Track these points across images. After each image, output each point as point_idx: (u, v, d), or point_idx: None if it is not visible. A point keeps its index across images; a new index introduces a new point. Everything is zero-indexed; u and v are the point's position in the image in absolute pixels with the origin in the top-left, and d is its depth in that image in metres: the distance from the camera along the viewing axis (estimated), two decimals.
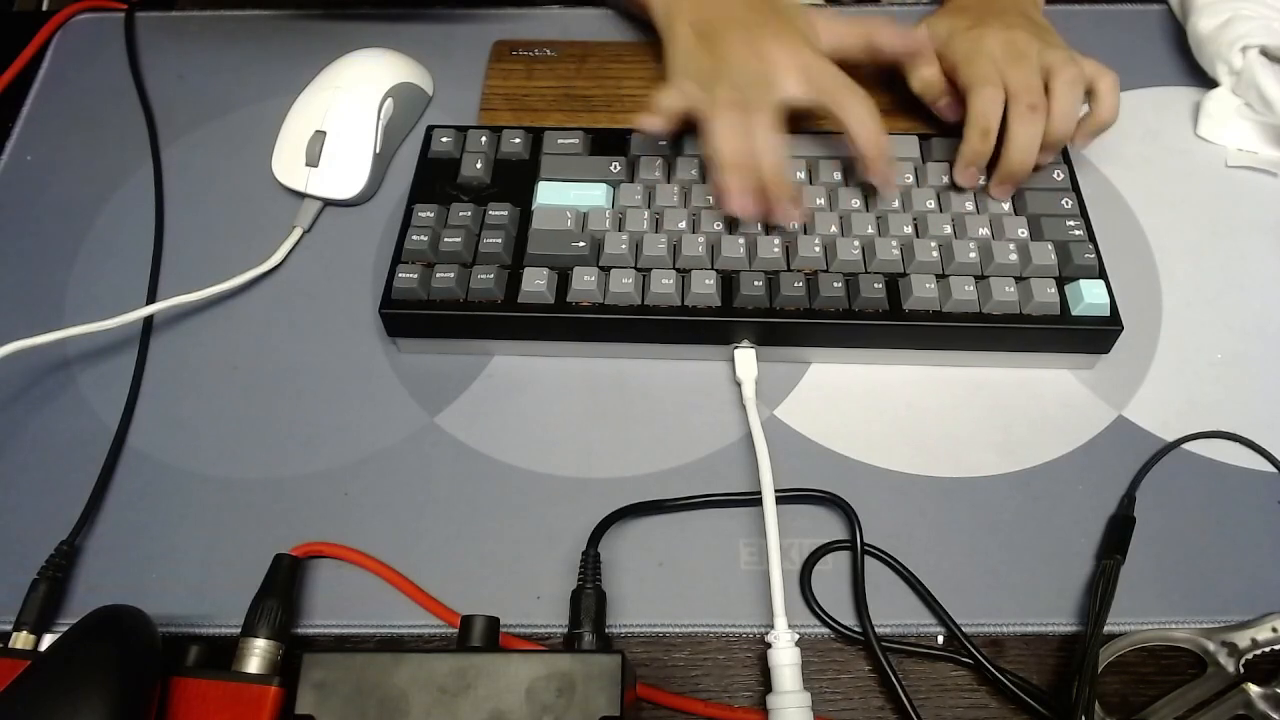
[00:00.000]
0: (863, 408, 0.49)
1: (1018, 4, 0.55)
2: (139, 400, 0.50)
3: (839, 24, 0.54)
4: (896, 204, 0.51)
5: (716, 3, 0.54)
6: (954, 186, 0.52)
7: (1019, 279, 0.48)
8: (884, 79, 0.57)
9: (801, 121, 0.59)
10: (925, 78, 0.53)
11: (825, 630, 0.43)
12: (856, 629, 0.42)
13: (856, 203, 0.51)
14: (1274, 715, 0.39)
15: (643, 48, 0.63)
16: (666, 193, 0.52)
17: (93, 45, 0.66)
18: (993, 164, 0.51)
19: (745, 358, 0.49)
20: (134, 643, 0.37)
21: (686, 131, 0.53)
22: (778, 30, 0.51)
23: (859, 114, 0.48)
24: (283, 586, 0.42)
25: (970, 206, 0.51)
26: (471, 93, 0.62)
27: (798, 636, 0.41)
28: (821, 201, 0.51)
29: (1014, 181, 0.50)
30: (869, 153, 0.49)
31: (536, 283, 0.48)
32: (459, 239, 0.50)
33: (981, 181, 0.52)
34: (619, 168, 0.53)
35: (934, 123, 0.56)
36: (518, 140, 0.54)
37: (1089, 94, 0.52)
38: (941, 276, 0.48)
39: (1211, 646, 0.41)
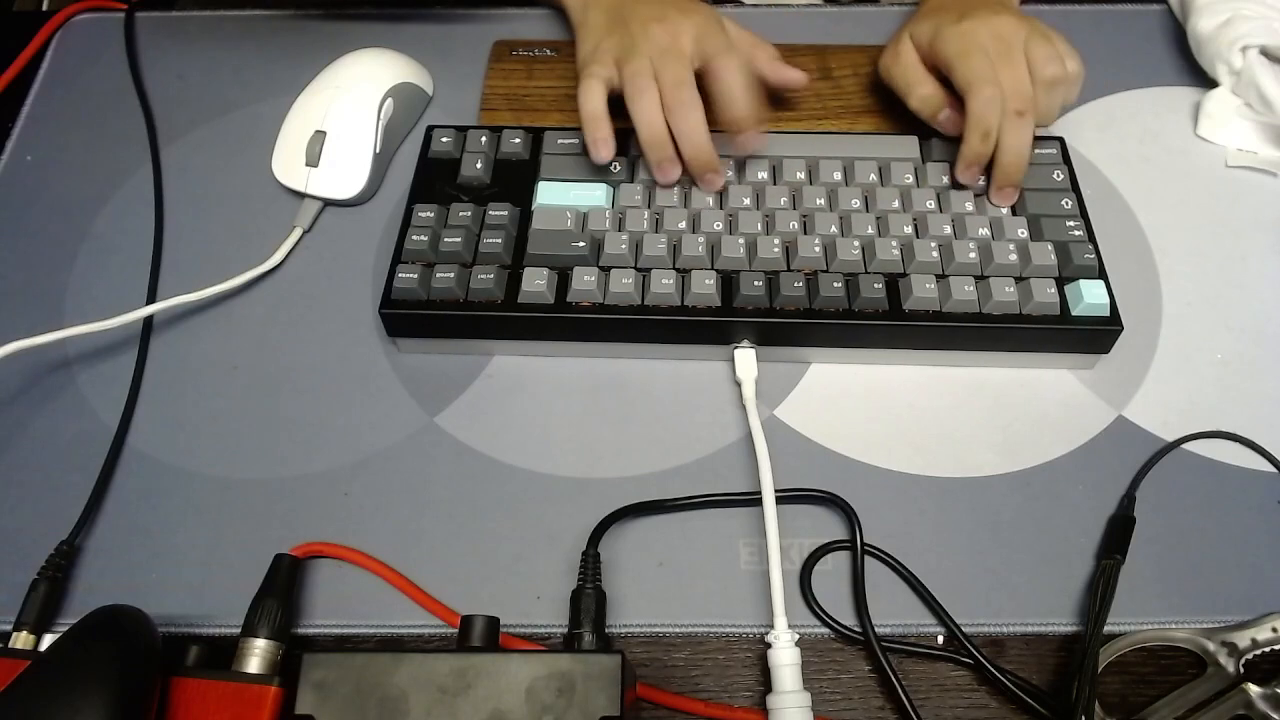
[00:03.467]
0: (863, 408, 0.49)
1: None
2: (139, 400, 0.50)
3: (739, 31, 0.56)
4: (896, 204, 0.51)
5: None
6: (954, 186, 0.52)
7: (1019, 279, 0.48)
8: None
9: (801, 122, 0.59)
10: (923, 95, 0.53)
11: (825, 630, 0.43)
12: (856, 629, 0.42)
13: (856, 203, 0.51)
14: (1274, 715, 0.39)
15: None
16: (666, 193, 0.52)
17: (93, 45, 0.66)
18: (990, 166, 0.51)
19: (745, 358, 0.49)
20: (134, 643, 0.37)
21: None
22: (684, 4, 0.53)
23: (730, 80, 0.50)
24: (283, 586, 0.41)
25: (970, 207, 0.51)
26: (471, 93, 0.62)
27: (798, 636, 0.41)
28: (821, 201, 0.51)
29: (1012, 184, 0.51)
30: (731, 127, 0.51)
31: (536, 283, 0.48)
32: (459, 239, 0.50)
33: (982, 181, 0.52)
34: (619, 168, 0.53)
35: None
36: (518, 140, 0.54)
37: None
38: (941, 276, 0.48)
39: (1211, 646, 0.41)
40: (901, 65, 0.54)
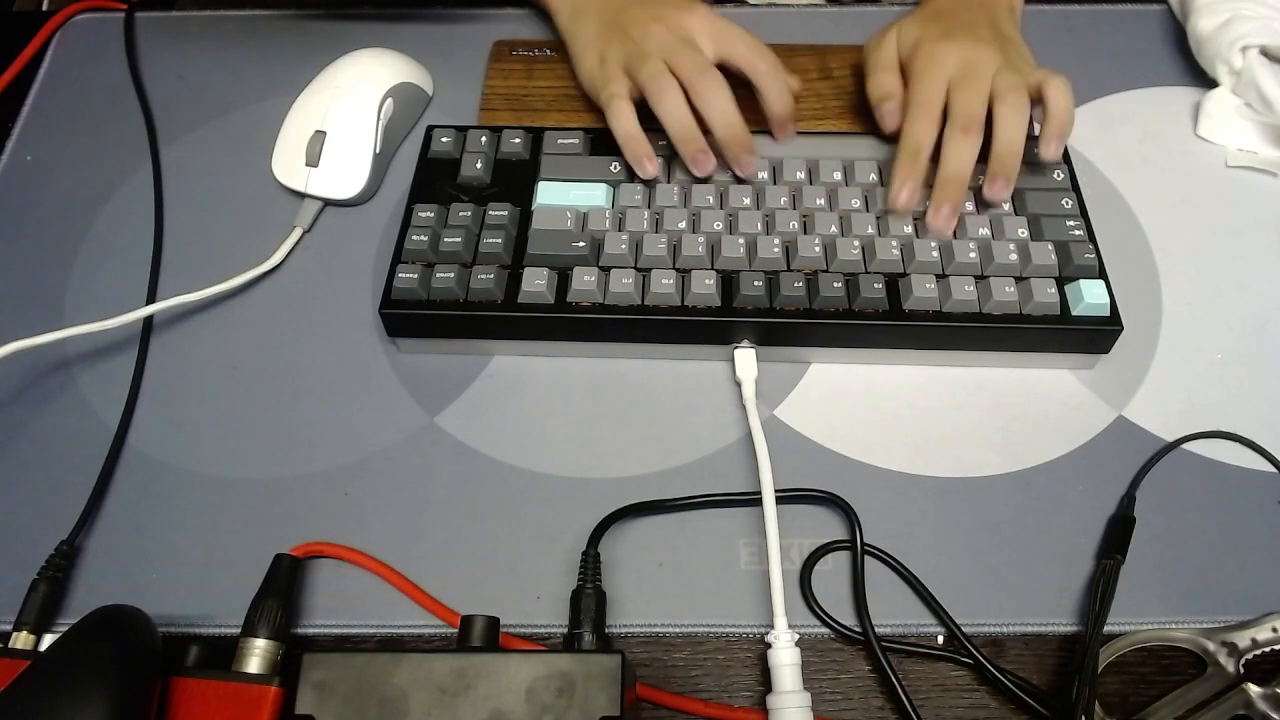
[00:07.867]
0: (863, 408, 0.49)
1: (990, 16, 0.55)
2: (139, 400, 0.50)
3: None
4: None
5: None
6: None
7: (1019, 279, 0.48)
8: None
9: (802, 122, 0.59)
10: (879, 80, 0.54)
11: (825, 630, 0.43)
12: (856, 629, 0.42)
13: (856, 203, 0.51)
14: (1274, 715, 0.39)
15: None
16: (666, 193, 0.52)
17: (93, 45, 0.66)
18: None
19: (745, 358, 0.49)
20: (134, 643, 0.37)
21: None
22: (679, 3, 0.54)
23: (769, 78, 0.52)
24: (283, 586, 0.41)
25: (970, 206, 0.51)
26: (471, 93, 0.62)
27: (798, 636, 0.41)
28: (821, 201, 0.51)
29: (950, 201, 0.49)
30: (777, 112, 0.53)
31: (536, 283, 0.48)
32: (459, 239, 0.50)
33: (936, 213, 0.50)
34: (619, 168, 0.53)
35: None
36: (518, 140, 0.55)
37: (1041, 102, 0.50)
38: (941, 276, 0.48)
39: (1211, 646, 0.41)
40: (879, 52, 0.55)
